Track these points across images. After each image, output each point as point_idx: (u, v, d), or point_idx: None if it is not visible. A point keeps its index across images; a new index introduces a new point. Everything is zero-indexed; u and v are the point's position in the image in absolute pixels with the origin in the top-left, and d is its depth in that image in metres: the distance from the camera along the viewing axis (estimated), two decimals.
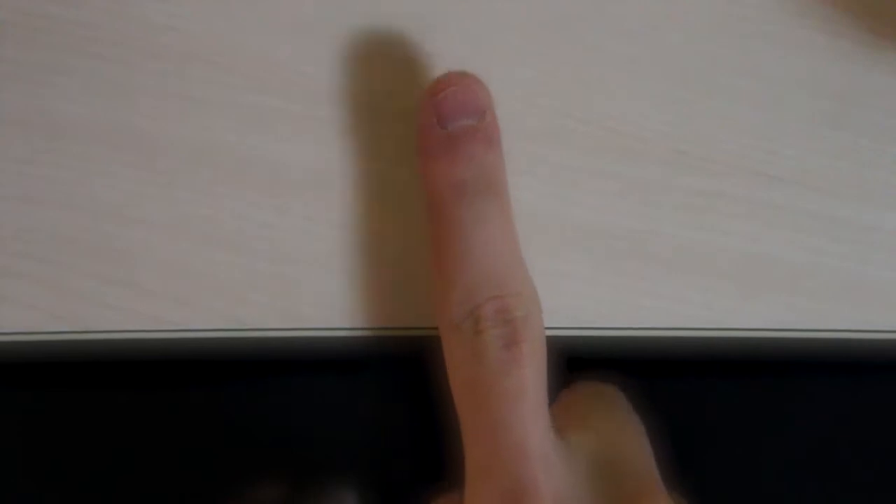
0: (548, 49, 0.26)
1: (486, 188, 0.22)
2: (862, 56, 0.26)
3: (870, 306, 0.26)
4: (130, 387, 0.27)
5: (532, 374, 0.21)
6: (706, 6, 0.26)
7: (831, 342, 0.27)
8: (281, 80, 0.25)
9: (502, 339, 0.21)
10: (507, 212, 0.23)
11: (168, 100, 0.25)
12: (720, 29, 0.26)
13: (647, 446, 0.23)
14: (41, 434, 0.27)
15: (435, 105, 0.23)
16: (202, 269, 0.25)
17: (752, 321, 0.26)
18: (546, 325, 0.25)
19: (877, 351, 0.27)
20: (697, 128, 0.26)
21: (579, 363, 0.26)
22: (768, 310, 0.26)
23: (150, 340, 0.25)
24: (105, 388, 0.27)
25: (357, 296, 0.25)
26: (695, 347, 0.27)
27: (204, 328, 0.25)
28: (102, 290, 0.25)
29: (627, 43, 0.26)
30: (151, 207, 0.25)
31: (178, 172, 0.25)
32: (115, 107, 0.25)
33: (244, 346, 0.26)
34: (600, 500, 0.21)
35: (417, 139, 0.23)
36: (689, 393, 0.28)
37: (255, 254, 0.25)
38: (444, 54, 0.25)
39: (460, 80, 0.23)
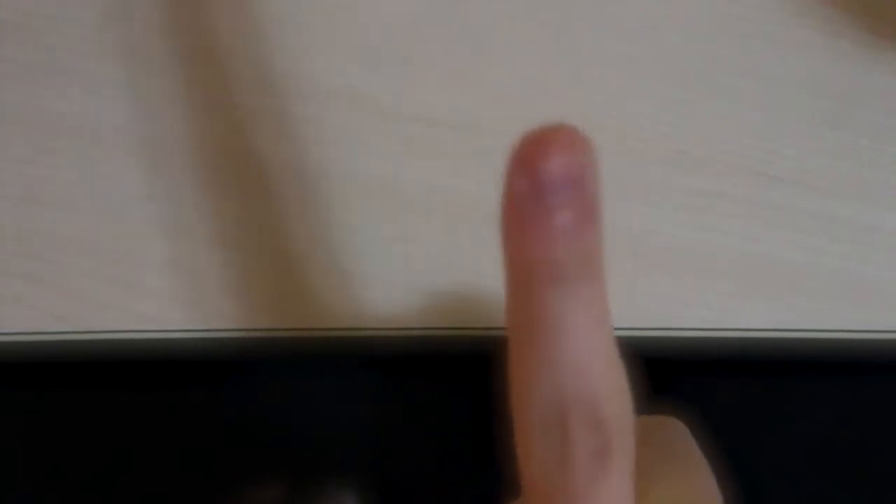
0: (548, 49, 0.26)
1: (584, 271, 0.19)
2: (862, 56, 0.26)
3: (870, 306, 0.26)
4: (130, 387, 0.27)
5: (622, 480, 0.19)
6: (706, 6, 0.26)
7: (831, 342, 0.27)
8: (281, 81, 0.25)
9: (593, 449, 0.19)
10: (605, 298, 0.20)
11: (168, 100, 0.25)
12: (720, 29, 0.26)
13: (717, 496, 0.22)
14: (41, 434, 0.27)
15: (529, 170, 0.18)
16: (202, 268, 0.25)
17: (752, 321, 0.26)
18: None
19: (877, 351, 0.27)
20: (697, 128, 0.26)
21: None
22: (768, 310, 0.26)
23: (149, 340, 0.25)
24: (105, 388, 0.27)
25: (357, 296, 0.25)
26: (695, 347, 0.27)
27: (204, 328, 0.25)
28: (102, 290, 0.25)
29: (627, 43, 0.26)
30: (151, 208, 0.25)
31: (177, 172, 0.25)
32: (114, 107, 0.25)
33: (244, 346, 0.26)
34: None
35: (504, 204, 0.19)
36: (689, 393, 0.28)
37: (256, 254, 0.25)
38: (444, 54, 0.25)
39: (560, 138, 0.18)
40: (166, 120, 0.25)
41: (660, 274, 0.26)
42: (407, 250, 0.25)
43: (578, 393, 0.19)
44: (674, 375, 0.28)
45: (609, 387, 0.19)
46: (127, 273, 0.25)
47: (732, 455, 0.28)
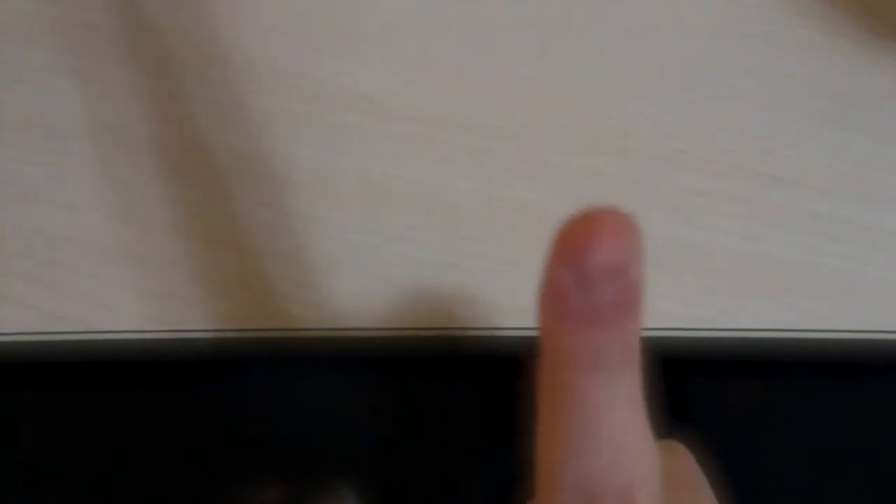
0: (548, 49, 0.26)
1: (623, 363, 0.18)
2: (862, 56, 0.26)
3: (870, 306, 0.26)
4: (130, 387, 0.27)
5: None
6: (706, 6, 0.26)
7: (831, 342, 0.27)
8: (282, 81, 0.25)
9: None
10: (640, 388, 0.19)
11: (168, 100, 0.25)
12: (720, 29, 0.26)
13: None
14: (41, 434, 0.27)
15: (575, 259, 0.17)
16: (203, 268, 0.25)
17: (752, 321, 0.26)
18: None
19: (877, 351, 0.27)
20: (697, 128, 0.26)
21: None
22: (768, 310, 0.26)
23: (149, 340, 0.25)
24: (105, 388, 0.27)
25: (357, 296, 0.25)
26: (695, 347, 0.27)
27: (204, 328, 0.25)
28: (102, 290, 0.25)
29: (627, 43, 0.26)
30: (152, 208, 0.25)
31: (178, 172, 0.25)
32: (115, 107, 0.25)
33: (244, 346, 0.26)
34: None
35: (544, 290, 0.18)
36: (690, 393, 0.28)
37: (256, 254, 0.25)
38: (444, 54, 0.25)
39: (607, 224, 0.17)
40: (166, 120, 0.25)
41: (660, 274, 0.26)
42: (406, 250, 0.25)
43: (612, 481, 0.18)
44: (674, 375, 0.28)
45: (642, 473, 0.19)
46: (127, 273, 0.25)
47: (732, 455, 0.28)
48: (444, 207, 0.26)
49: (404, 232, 0.25)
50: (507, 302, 0.25)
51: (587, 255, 0.17)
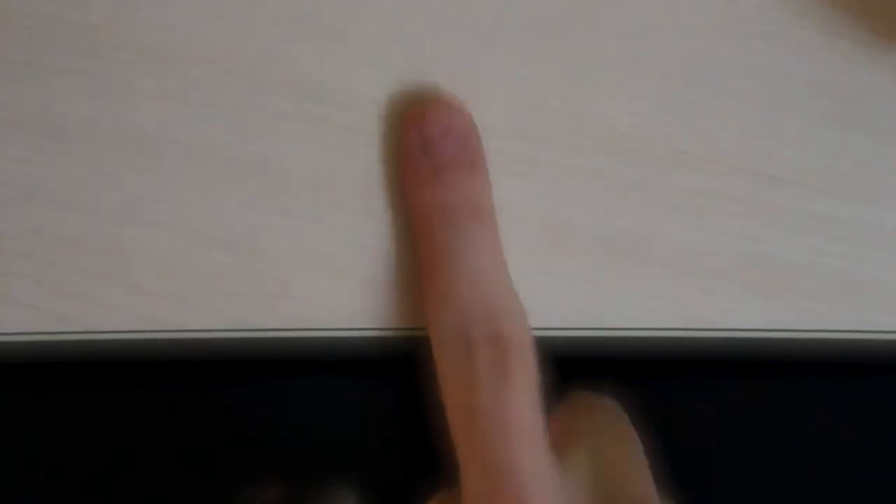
0: (548, 49, 0.26)
1: (473, 213, 0.23)
2: (862, 56, 0.26)
3: (870, 306, 0.26)
4: (130, 387, 0.27)
5: (524, 396, 0.21)
6: (706, 6, 0.26)
7: (831, 342, 0.27)
8: (281, 81, 0.25)
9: (493, 361, 0.21)
10: (494, 235, 0.23)
11: (168, 100, 0.25)
12: (720, 29, 0.26)
13: (643, 463, 0.23)
14: (41, 434, 0.27)
15: (419, 131, 0.23)
16: (202, 269, 0.25)
17: (752, 321, 0.26)
18: (546, 327, 0.25)
19: (877, 351, 0.27)
20: (697, 128, 0.26)
21: (579, 365, 0.26)
22: (768, 310, 0.26)
23: (150, 341, 0.25)
24: (105, 388, 0.27)
25: (357, 296, 0.25)
26: (695, 347, 0.27)
27: (204, 328, 0.25)
28: (103, 290, 0.25)
29: (627, 43, 0.26)
30: (151, 207, 0.25)
31: (178, 172, 0.25)
32: (115, 107, 0.25)
33: (244, 346, 0.26)
34: None
35: (401, 164, 0.24)
36: (690, 393, 0.28)
37: (255, 254, 0.25)
38: (444, 54, 0.25)
39: (443, 106, 0.24)
40: (167, 120, 0.25)
41: (660, 274, 0.26)
42: (407, 250, 0.25)
43: (478, 312, 0.21)
44: (673, 375, 0.28)
45: (504, 308, 0.22)
46: (127, 273, 0.25)
47: (733, 455, 0.28)
48: None
49: (405, 231, 0.25)
50: None
51: (425, 122, 0.23)
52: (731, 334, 0.26)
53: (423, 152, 0.23)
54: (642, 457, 0.23)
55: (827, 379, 0.28)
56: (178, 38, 0.25)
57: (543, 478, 0.20)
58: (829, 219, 0.26)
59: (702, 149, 0.26)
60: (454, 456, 0.21)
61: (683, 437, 0.28)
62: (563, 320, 0.26)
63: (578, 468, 0.22)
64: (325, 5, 0.25)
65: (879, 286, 0.26)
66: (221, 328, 0.25)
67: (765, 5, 0.26)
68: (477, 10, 0.25)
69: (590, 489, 0.22)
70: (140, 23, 0.25)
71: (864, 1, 0.26)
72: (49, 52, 0.25)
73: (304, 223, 0.25)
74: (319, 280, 0.25)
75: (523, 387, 0.21)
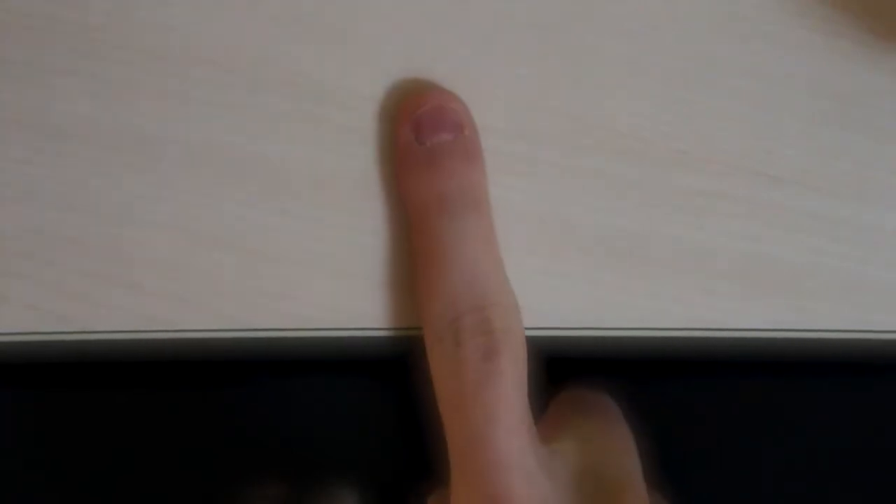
0: (548, 49, 0.26)
1: (468, 203, 0.23)
2: (862, 56, 0.26)
3: (870, 306, 0.26)
4: (130, 387, 0.27)
5: (511, 385, 0.21)
6: (706, 6, 0.26)
7: (831, 342, 0.27)
8: (281, 81, 0.25)
9: (482, 351, 0.21)
10: (489, 225, 0.23)
11: (168, 100, 0.25)
12: (720, 29, 0.26)
13: (633, 454, 0.23)
14: (41, 434, 0.27)
15: (413, 121, 0.23)
16: (202, 269, 0.25)
17: (752, 321, 0.26)
18: (545, 326, 0.25)
19: (877, 351, 0.27)
20: (697, 128, 0.26)
21: (579, 364, 0.26)
22: (768, 310, 0.26)
23: (150, 341, 0.25)
24: (105, 388, 0.27)
25: (357, 296, 0.25)
26: (695, 347, 0.27)
27: (204, 328, 0.25)
28: (102, 290, 0.25)
29: (627, 43, 0.26)
30: (151, 207, 0.25)
31: (178, 172, 0.25)
32: (115, 107, 0.25)
33: (244, 346, 0.26)
34: None
35: (396, 155, 0.24)
36: (690, 393, 0.28)
37: (255, 254, 0.25)
38: (444, 54, 0.25)
39: (437, 96, 0.24)
40: (167, 120, 0.25)
41: (660, 274, 0.26)
42: (407, 250, 0.25)
43: (470, 301, 0.21)
44: (673, 375, 0.28)
45: (496, 300, 0.22)
46: (127, 273, 0.25)
47: (732, 455, 0.28)
48: None
49: (405, 231, 0.25)
50: None
51: (421, 111, 0.23)
52: (731, 334, 0.26)
53: (417, 141, 0.23)
54: (632, 445, 0.23)
55: (827, 379, 0.28)
56: (178, 38, 0.25)
57: (527, 463, 0.20)
58: (829, 219, 0.26)
59: (702, 149, 0.26)
60: (447, 448, 0.21)
61: (684, 437, 0.28)
62: (563, 320, 0.26)
63: (567, 454, 0.22)
64: (325, 5, 0.25)
65: (879, 286, 0.26)
66: (221, 328, 0.25)
67: (765, 5, 0.26)
68: (477, 10, 0.25)
69: (578, 474, 0.22)
70: (140, 23, 0.25)
71: (864, 1, 0.26)
72: (49, 52, 0.25)
73: (304, 223, 0.25)
74: (319, 280, 0.25)
75: (510, 378, 0.21)
